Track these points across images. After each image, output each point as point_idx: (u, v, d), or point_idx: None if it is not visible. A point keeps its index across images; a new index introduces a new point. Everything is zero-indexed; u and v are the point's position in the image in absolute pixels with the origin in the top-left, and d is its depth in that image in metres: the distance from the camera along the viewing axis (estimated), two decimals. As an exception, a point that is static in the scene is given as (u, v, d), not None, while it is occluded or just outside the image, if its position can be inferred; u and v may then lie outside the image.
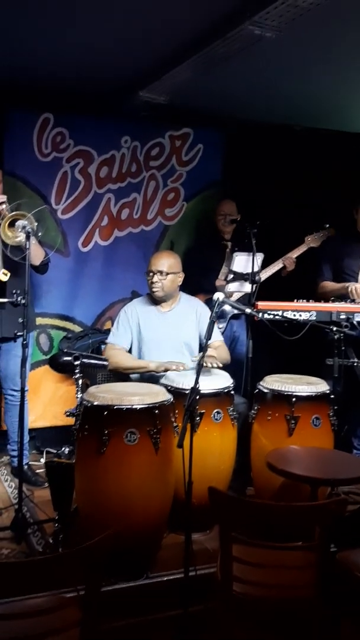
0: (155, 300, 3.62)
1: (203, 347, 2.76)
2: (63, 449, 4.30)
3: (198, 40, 3.05)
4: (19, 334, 3.00)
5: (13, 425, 3.90)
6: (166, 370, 3.31)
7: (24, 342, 3.00)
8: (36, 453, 4.43)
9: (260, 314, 3.44)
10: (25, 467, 3.96)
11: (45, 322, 4.40)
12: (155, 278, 3.51)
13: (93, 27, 3.06)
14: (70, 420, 4.48)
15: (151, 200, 4.64)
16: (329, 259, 4.26)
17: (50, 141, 4.26)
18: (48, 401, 4.42)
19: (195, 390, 2.50)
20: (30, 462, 4.08)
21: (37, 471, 4.06)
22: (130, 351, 3.60)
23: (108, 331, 4.46)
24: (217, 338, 3.67)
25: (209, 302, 4.10)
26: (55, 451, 4.37)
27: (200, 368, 2.60)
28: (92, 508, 2.72)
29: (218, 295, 2.84)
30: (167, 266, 3.52)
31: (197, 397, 2.78)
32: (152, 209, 4.65)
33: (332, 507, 2.10)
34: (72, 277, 4.45)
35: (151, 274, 3.53)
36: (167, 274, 3.51)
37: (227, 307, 4.07)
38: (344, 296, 3.93)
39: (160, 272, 3.51)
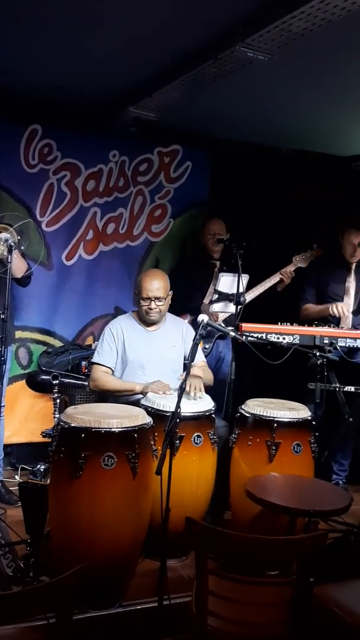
0: (141, 319, 3.57)
1: (186, 370, 2.70)
2: (38, 466, 4.19)
3: (190, 59, 3.03)
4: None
5: (-15, 441, 3.81)
6: (149, 391, 3.26)
7: (2, 359, 2.92)
8: (11, 470, 4.32)
9: (243, 336, 3.39)
10: (-1, 484, 3.88)
11: (25, 336, 4.31)
12: (153, 305, 3.45)
13: (84, 42, 3.03)
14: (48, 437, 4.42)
15: (138, 216, 4.60)
16: (313, 283, 4.25)
17: (37, 152, 4.21)
18: (24, 417, 4.33)
19: (176, 415, 2.45)
20: (3, 479, 3.97)
21: (11, 489, 3.95)
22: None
23: (89, 347, 4.40)
24: (199, 359, 3.63)
25: (195, 323, 4.07)
26: (30, 468, 4.26)
27: (182, 392, 2.55)
28: (64, 533, 2.63)
29: (203, 317, 2.80)
30: (164, 291, 3.46)
31: (178, 421, 2.73)
32: (138, 224, 4.61)
33: (311, 542, 2.04)
34: (54, 291, 4.38)
35: (148, 300, 3.45)
36: (164, 298, 3.47)
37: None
38: (326, 319, 3.91)
39: (158, 299, 3.45)
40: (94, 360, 3.52)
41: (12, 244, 2.91)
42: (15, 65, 3.44)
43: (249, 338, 3.53)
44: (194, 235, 4.78)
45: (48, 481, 3.85)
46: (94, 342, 4.53)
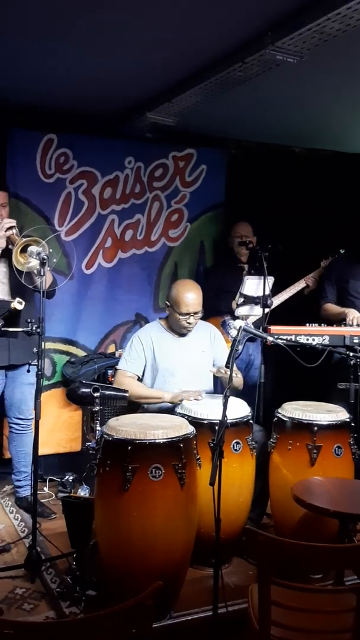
0: (169, 327, 3.54)
1: (228, 377, 2.68)
2: (67, 477, 4.22)
3: (215, 63, 3.01)
4: (33, 363, 2.90)
5: (18, 455, 3.78)
6: (182, 400, 3.23)
7: (39, 372, 2.90)
8: (39, 481, 4.28)
9: (277, 340, 3.37)
10: (30, 497, 3.84)
11: (48, 347, 4.28)
12: (192, 320, 3.42)
13: (104, 51, 3.00)
14: (75, 447, 4.41)
15: (155, 222, 4.57)
16: (332, 280, 4.23)
17: (53, 162, 4.18)
18: (51, 428, 4.30)
19: (224, 423, 2.43)
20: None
21: (42, 501, 3.93)
22: (141, 377, 3.51)
23: (113, 355, 4.38)
24: (230, 363, 3.60)
25: (224, 324, 4.06)
26: (59, 479, 4.26)
27: (227, 400, 2.53)
28: (113, 546, 2.61)
29: (240, 323, 2.78)
30: (201, 304, 3.44)
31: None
32: (155, 230, 4.58)
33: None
34: (75, 300, 4.36)
35: (187, 315, 3.41)
36: (202, 311, 3.45)
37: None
38: (343, 320, 3.89)
39: (197, 313, 3.43)
40: (119, 366, 3.51)
41: (45, 257, 2.88)
42: (30, 75, 3.40)
43: (278, 340, 3.50)
44: (212, 238, 4.77)
45: (78, 492, 3.87)
46: (116, 350, 4.51)
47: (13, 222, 3.25)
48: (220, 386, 3.62)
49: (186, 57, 3.03)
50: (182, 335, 3.52)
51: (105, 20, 2.66)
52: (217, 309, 4.05)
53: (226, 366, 2.83)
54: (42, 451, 4.20)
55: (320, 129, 4.42)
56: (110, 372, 4.04)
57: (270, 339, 2.98)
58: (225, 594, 2.64)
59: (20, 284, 3.50)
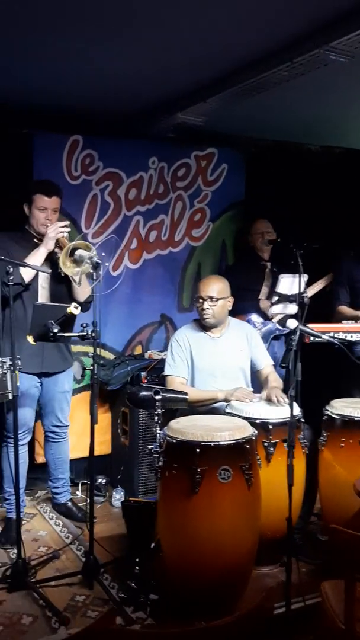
0: (204, 326, 3.53)
1: (289, 377, 2.69)
2: (100, 480, 4.19)
3: (261, 63, 2.99)
4: (87, 368, 2.88)
5: (55, 462, 3.76)
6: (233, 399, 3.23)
7: (94, 377, 2.89)
8: (71, 485, 4.26)
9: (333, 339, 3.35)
10: (69, 502, 3.82)
11: (76, 350, 4.24)
12: (206, 304, 3.41)
13: (141, 52, 2.96)
14: (105, 450, 4.38)
15: (178, 222, 4.56)
16: (344, 282, 4.24)
17: (79, 163, 4.14)
18: (81, 432, 4.24)
19: (293, 424, 2.45)
20: (71, 497, 3.92)
21: (80, 505, 3.90)
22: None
23: (143, 357, 4.37)
24: (269, 362, 3.60)
25: (249, 323, 4.06)
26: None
27: (292, 400, 2.54)
28: (180, 549, 2.61)
29: (295, 323, 2.79)
30: (217, 291, 3.42)
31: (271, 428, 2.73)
32: (179, 230, 4.57)
33: None
34: (102, 302, 4.29)
35: (201, 300, 3.43)
36: (218, 299, 3.41)
37: (271, 327, 4.06)
38: None
39: (211, 298, 3.41)
40: (166, 372, 3.47)
41: (98, 261, 2.86)
42: (55, 76, 3.32)
43: (316, 339, 3.50)
44: (233, 237, 4.77)
45: (113, 495, 3.85)
46: (143, 352, 4.50)
47: (67, 224, 3.23)
48: (259, 387, 3.60)
49: (229, 54, 2.97)
50: (210, 329, 3.49)
51: (144, 17, 2.56)
52: (240, 307, 4.04)
53: (281, 366, 2.84)
54: (72, 455, 4.20)
55: (336, 127, 4.43)
56: (143, 374, 4.02)
57: (326, 337, 2.99)
58: (284, 592, 2.67)
59: (58, 288, 3.49)
